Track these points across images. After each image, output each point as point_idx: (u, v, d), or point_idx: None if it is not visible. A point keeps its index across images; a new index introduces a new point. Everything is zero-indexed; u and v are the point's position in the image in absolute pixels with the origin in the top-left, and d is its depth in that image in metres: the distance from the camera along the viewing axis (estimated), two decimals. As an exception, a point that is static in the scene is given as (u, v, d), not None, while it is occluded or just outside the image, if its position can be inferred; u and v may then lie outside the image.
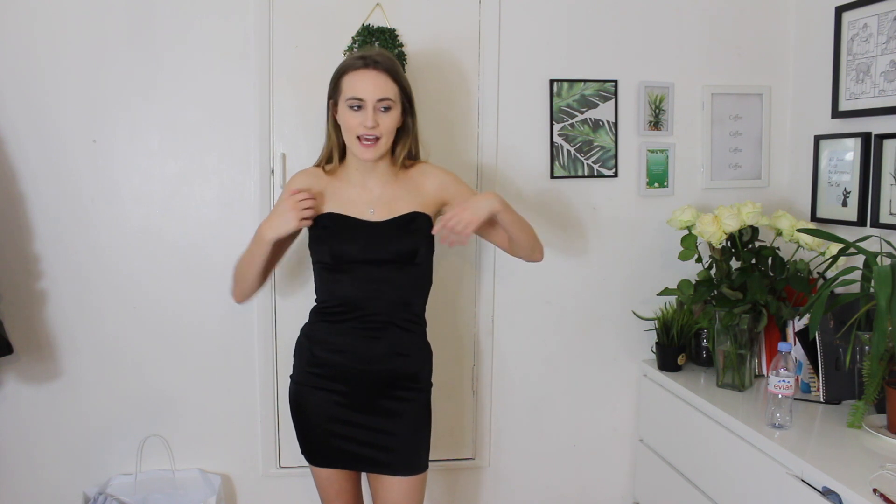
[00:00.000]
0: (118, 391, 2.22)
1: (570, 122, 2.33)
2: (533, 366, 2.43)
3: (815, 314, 1.80)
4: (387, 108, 1.74)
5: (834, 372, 1.99)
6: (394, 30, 2.18)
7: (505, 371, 2.41)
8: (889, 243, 1.86)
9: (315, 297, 1.89)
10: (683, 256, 2.22)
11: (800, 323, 2.11)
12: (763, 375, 2.26)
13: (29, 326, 2.15)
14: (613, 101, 2.35)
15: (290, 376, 1.91)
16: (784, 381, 1.82)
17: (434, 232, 1.80)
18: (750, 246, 2.19)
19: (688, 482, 2.13)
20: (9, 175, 2.09)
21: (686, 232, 2.23)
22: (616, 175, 2.38)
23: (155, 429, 2.24)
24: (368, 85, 1.72)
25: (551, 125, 2.33)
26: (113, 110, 2.13)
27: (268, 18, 2.15)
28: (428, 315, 1.92)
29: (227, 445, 2.30)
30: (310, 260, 1.89)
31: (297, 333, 1.92)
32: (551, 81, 2.31)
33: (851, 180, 2.20)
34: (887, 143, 2.07)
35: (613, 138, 2.37)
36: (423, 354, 1.90)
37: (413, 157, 1.90)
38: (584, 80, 2.33)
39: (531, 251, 1.94)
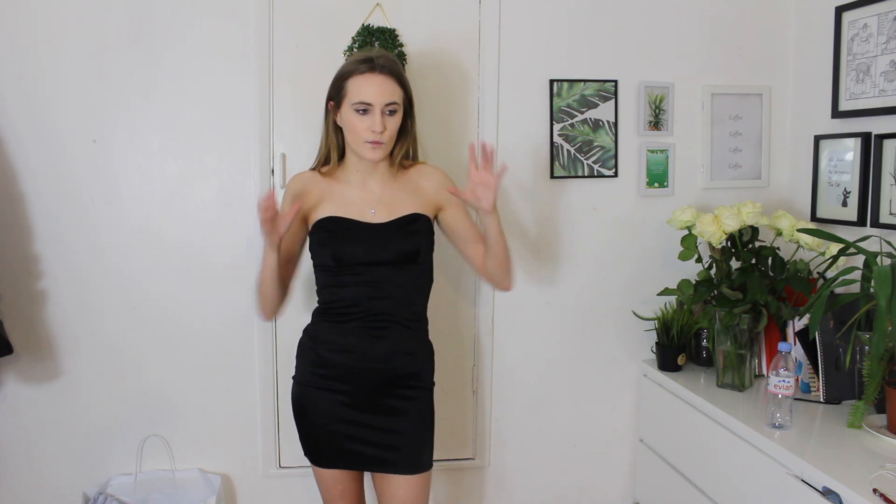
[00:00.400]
0: (118, 391, 2.22)
1: (570, 122, 2.33)
2: (533, 366, 2.43)
3: (815, 314, 1.80)
4: (392, 112, 1.75)
5: (834, 372, 1.99)
6: (394, 30, 2.18)
7: (505, 371, 2.41)
8: (889, 243, 1.86)
9: (318, 298, 1.88)
10: (683, 256, 2.22)
11: (800, 323, 2.11)
12: (763, 375, 2.26)
13: (29, 326, 2.15)
14: (613, 101, 2.35)
15: (293, 377, 1.91)
16: (784, 381, 1.82)
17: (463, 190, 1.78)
18: (750, 246, 2.19)
19: (688, 482, 2.13)
20: (9, 175, 2.09)
21: (686, 232, 2.23)
22: (616, 175, 2.38)
23: (155, 429, 2.24)
24: (376, 89, 1.72)
25: (551, 125, 2.33)
26: (113, 110, 2.13)
27: (268, 18, 2.15)
28: (428, 315, 1.92)
29: (227, 445, 2.30)
30: (310, 260, 1.88)
31: (297, 333, 1.92)
32: (551, 81, 2.31)
33: (851, 180, 2.20)
34: (887, 143, 2.07)
35: (613, 138, 2.37)
36: (426, 353, 1.91)
37: (411, 158, 1.90)
38: (584, 80, 2.33)
39: (504, 273, 1.86)
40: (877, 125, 2.11)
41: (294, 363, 1.92)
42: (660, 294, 2.32)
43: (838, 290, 1.99)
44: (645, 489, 2.45)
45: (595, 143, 2.36)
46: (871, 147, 2.12)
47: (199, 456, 2.28)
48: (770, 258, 2.15)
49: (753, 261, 2.16)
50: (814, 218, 2.35)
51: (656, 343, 2.39)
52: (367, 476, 1.98)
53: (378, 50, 1.80)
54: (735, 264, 2.19)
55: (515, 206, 2.35)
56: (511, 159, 2.32)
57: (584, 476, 2.51)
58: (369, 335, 1.79)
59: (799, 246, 2.13)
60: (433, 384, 1.91)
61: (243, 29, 2.15)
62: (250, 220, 2.21)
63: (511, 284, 1.91)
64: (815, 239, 2.05)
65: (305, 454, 1.89)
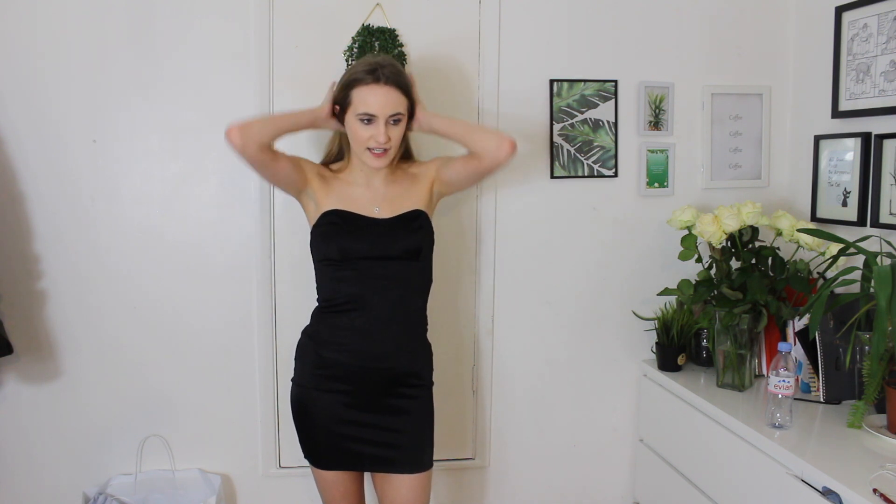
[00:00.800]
0: (118, 391, 2.22)
1: (570, 122, 2.33)
2: (533, 366, 2.43)
3: (815, 314, 1.80)
4: (397, 121, 1.76)
5: (834, 372, 1.99)
6: (394, 30, 2.18)
7: (505, 371, 2.41)
8: (889, 243, 1.86)
9: (318, 297, 1.88)
10: (683, 256, 2.23)
11: (800, 323, 2.11)
12: (763, 375, 2.26)
13: (29, 326, 2.15)
14: (613, 101, 2.35)
15: (292, 379, 1.91)
16: (784, 381, 1.82)
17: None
18: (750, 246, 2.19)
19: (688, 482, 2.13)
20: (9, 175, 2.09)
21: (686, 232, 2.23)
22: (616, 175, 2.38)
23: (155, 429, 2.24)
24: (380, 100, 1.72)
25: (551, 125, 2.33)
26: (113, 110, 2.13)
27: (268, 18, 2.15)
28: (428, 315, 1.92)
29: (227, 445, 2.30)
30: (310, 260, 1.89)
31: (297, 333, 1.92)
32: (551, 81, 2.31)
33: (851, 180, 2.20)
34: (887, 143, 2.07)
35: (613, 138, 2.37)
36: (426, 352, 1.92)
37: (407, 156, 1.95)
38: (584, 80, 2.33)
39: (487, 141, 1.83)
40: (877, 125, 2.11)
41: (293, 364, 1.92)
42: (660, 294, 2.32)
43: (838, 290, 1.99)
44: (645, 489, 2.45)
45: (595, 143, 2.36)
46: (871, 147, 2.12)
47: (199, 456, 2.28)
48: (770, 258, 2.15)
49: (753, 261, 2.16)
50: (814, 218, 2.35)
51: (656, 343, 2.39)
52: (367, 477, 1.98)
53: (383, 57, 1.80)
54: (735, 264, 2.19)
55: (515, 205, 2.35)
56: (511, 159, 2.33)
57: (584, 476, 2.51)
58: (370, 334, 1.80)
59: (799, 246, 2.13)
60: (433, 383, 1.92)
61: (243, 29, 2.15)
62: (250, 220, 2.21)
63: (505, 141, 1.81)
64: (815, 239, 2.05)
65: (305, 456, 1.89)
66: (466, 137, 1.86)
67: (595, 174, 2.37)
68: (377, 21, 2.19)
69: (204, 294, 2.23)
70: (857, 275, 1.85)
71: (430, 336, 1.93)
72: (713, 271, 2.21)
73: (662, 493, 2.32)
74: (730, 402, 2.04)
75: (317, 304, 1.89)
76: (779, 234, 2.17)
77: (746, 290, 2.10)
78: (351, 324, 1.80)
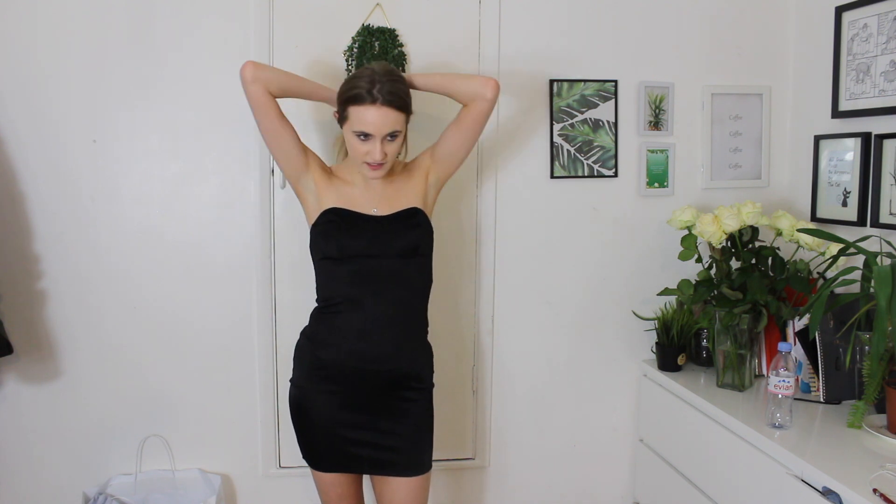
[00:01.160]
0: (118, 391, 2.22)
1: (570, 122, 2.33)
2: (533, 366, 2.43)
3: (815, 314, 1.80)
4: (393, 137, 1.76)
5: (834, 372, 1.99)
6: (394, 30, 2.18)
7: (505, 371, 2.41)
8: (889, 243, 1.86)
9: (316, 298, 1.88)
10: (683, 256, 2.22)
11: (800, 323, 2.11)
12: (763, 375, 2.26)
13: (29, 326, 2.15)
14: (613, 101, 2.35)
15: (290, 380, 1.90)
16: (784, 381, 1.82)
17: None
18: (750, 246, 2.19)
19: (688, 482, 2.13)
20: (9, 175, 2.09)
21: (686, 232, 2.23)
22: (616, 175, 2.38)
23: (155, 429, 2.24)
24: (376, 122, 1.71)
25: (551, 125, 2.33)
26: (113, 110, 2.13)
27: (268, 18, 2.15)
28: (428, 315, 1.92)
29: (227, 445, 2.30)
30: (310, 261, 1.88)
31: (297, 333, 1.92)
32: (551, 81, 2.31)
33: (851, 180, 2.20)
34: (887, 143, 2.07)
35: (613, 138, 2.37)
36: (426, 354, 1.92)
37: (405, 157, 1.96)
38: (584, 80, 2.33)
39: (468, 87, 1.84)
40: (877, 125, 2.11)
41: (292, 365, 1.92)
42: (660, 294, 2.32)
43: (838, 290, 1.99)
44: (645, 489, 2.45)
45: (595, 143, 2.36)
46: (871, 147, 2.12)
47: (199, 456, 2.28)
48: (770, 258, 2.15)
49: (753, 261, 2.16)
50: (814, 218, 2.35)
51: (656, 343, 2.39)
52: (366, 479, 1.98)
53: (383, 68, 1.76)
54: (735, 264, 2.19)
55: (515, 205, 2.35)
56: (511, 159, 2.33)
57: (584, 476, 2.51)
58: (368, 335, 1.79)
59: (799, 246, 2.13)
60: (433, 385, 1.92)
61: (243, 29, 2.15)
62: (250, 220, 2.21)
63: (489, 80, 1.83)
64: (815, 239, 2.05)
65: (304, 458, 1.89)
66: (451, 86, 1.87)
67: (595, 174, 2.37)
68: (377, 21, 2.19)
69: (204, 294, 2.23)
70: (857, 275, 1.85)
71: (430, 336, 1.93)
72: (713, 271, 2.21)
73: (662, 493, 2.32)
74: (730, 402, 2.04)
75: (315, 304, 1.89)
76: (779, 234, 2.17)
77: (746, 290, 2.10)
78: (349, 324, 1.80)
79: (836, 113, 2.24)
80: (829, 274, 2.03)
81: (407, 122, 1.79)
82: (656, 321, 2.38)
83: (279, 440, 2.30)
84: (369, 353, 1.79)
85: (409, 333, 1.85)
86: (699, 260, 2.24)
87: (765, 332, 2.23)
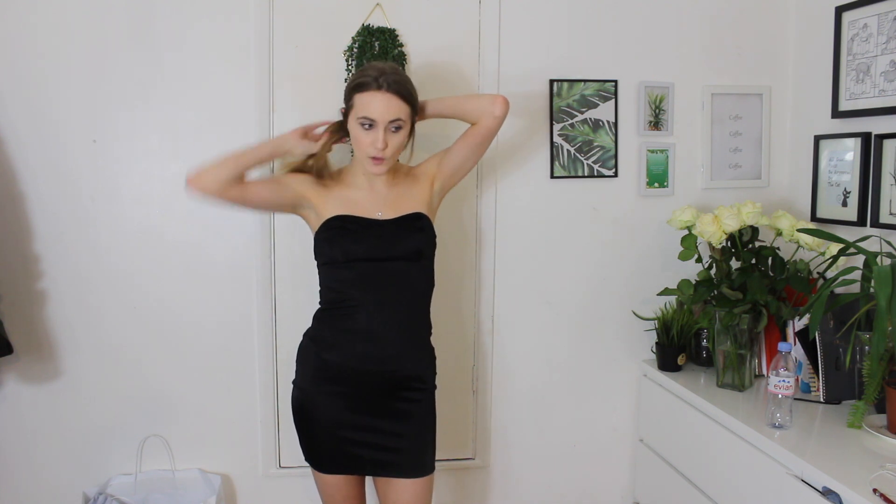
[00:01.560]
0: (118, 391, 2.22)
1: (570, 122, 2.33)
2: (533, 366, 2.43)
3: (815, 314, 1.80)
4: (397, 128, 1.76)
5: (834, 372, 1.99)
6: (394, 30, 2.18)
7: (505, 371, 2.41)
8: (889, 243, 1.86)
9: (319, 299, 1.88)
10: (683, 256, 2.22)
11: (800, 323, 2.11)
12: (763, 375, 2.26)
13: (29, 326, 2.15)
14: (613, 101, 2.35)
15: (293, 382, 1.90)
16: (784, 381, 1.82)
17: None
18: (750, 246, 2.19)
19: (688, 482, 2.13)
20: (9, 175, 2.09)
21: (686, 232, 2.23)
22: (616, 175, 2.38)
23: (155, 429, 2.24)
24: (381, 107, 1.72)
25: (551, 125, 2.33)
26: (113, 110, 2.13)
27: (268, 18, 2.15)
28: (429, 315, 1.92)
29: (227, 445, 2.30)
30: (311, 261, 1.88)
31: (297, 333, 1.92)
32: (551, 81, 2.31)
33: (851, 180, 2.20)
34: (887, 143, 2.07)
35: (613, 138, 2.37)
36: (429, 356, 1.92)
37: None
38: (584, 80, 2.33)
39: (478, 107, 1.87)
40: (877, 125, 2.11)
41: (293, 365, 1.92)
42: (660, 294, 2.32)
43: (838, 290, 1.99)
44: (645, 489, 2.45)
45: (595, 143, 2.36)
46: (871, 147, 2.12)
47: (199, 456, 2.28)
48: (770, 258, 2.15)
49: (753, 261, 2.16)
50: (814, 218, 2.35)
51: (656, 343, 2.39)
52: (369, 480, 1.98)
53: (390, 65, 1.80)
54: (735, 264, 2.19)
55: (515, 205, 2.35)
56: (511, 159, 2.33)
57: (584, 476, 2.51)
58: (373, 337, 1.79)
59: (799, 246, 2.13)
60: (435, 386, 1.92)
61: (243, 29, 2.15)
62: (250, 220, 2.21)
63: (497, 98, 1.87)
64: (815, 239, 2.05)
65: (307, 460, 1.88)
66: (459, 108, 1.90)
67: (595, 174, 2.37)
68: (377, 21, 2.19)
69: (204, 294, 2.23)
70: (857, 275, 1.85)
71: (430, 336, 1.93)
72: (713, 271, 2.21)
73: (662, 493, 2.32)
74: (730, 402, 2.04)
75: (318, 306, 1.89)
76: (779, 234, 2.17)
77: (746, 290, 2.10)
78: (354, 326, 1.79)
79: (836, 113, 2.24)
80: (829, 274, 2.03)
81: (412, 119, 1.80)
82: (656, 321, 2.38)
83: (279, 440, 2.30)
84: (374, 355, 1.79)
85: (412, 335, 1.85)
86: (699, 260, 2.24)
87: (765, 332, 2.23)
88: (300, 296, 2.16)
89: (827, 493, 1.58)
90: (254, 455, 2.31)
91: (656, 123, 2.39)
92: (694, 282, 2.24)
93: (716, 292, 2.19)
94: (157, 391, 2.24)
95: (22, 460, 2.20)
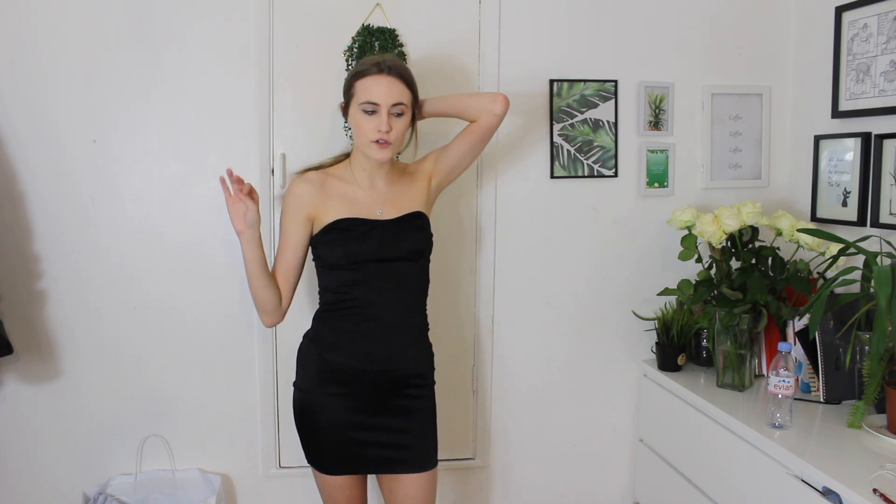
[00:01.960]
0: (118, 391, 2.22)
1: (570, 122, 2.33)
2: (533, 366, 2.43)
3: (815, 314, 1.80)
4: (400, 114, 1.76)
5: (834, 372, 1.99)
6: (394, 30, 2.18)
7: (505, 371, 2.41)
8: (889, 243, 1.86)
9: (320, 300, 1.88)
10: (683, 256, 2.22)
11: (800, 323, 2.11)
12: (763, 375, 2.26)
13: (29, 326, 2.14)
14: (613, 101, 2.35)
15: (294, 384, 1.90)
16: (784, 381, 1.82)
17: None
18: (750, 246, 2.19)
19: (688, 482, 2.13)
20: (9, 175, 2.09)
21: (686, 232, 2.23)
22: (616, 175, 2.39)
23: (155, 429, 2.24)
24: (383, 89, 1.72)
25: (551, 125, 2.33)
26: (113, 110, 2.13)
27: (268, 18, 2.15)
28: (428, 315, 1.92)
29: (227, 445, 2.30)
30: (310, 260, 1.88)
31: (297, 332, 1.92)
32: (551, 81, 2.31)
33: (851, 180, 2.20)
34: (887, 143, 2.07)
35: (613, 138, 2.37)
36: (429, 353, 1.92)
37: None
38: (584, 80, 2.33)
39: (478, 106, 1.87)
40: (877, 125, 2.11)
41: (293, 366, 1.91)
42: (660, 294, 2.32)
43: (838, 290, 1.99)
44: (645, 489, 2.45)
45: (595, 143, 2.36)
46: (871, 147, 2.12)
47: (199, 456, 2.28)
48: (770, 258, 2.15)
49: (753, 261, 2.16)
50: (814, 218, 2.35)
51: (656, 343, 2.39)
52: (369, 480, 1.98)
53: (388, 54, 1.82)
54: (735, 264, 2.19)
55: (515, 205, 2.35)
56: (511, 159, 2.33)
57: (584, 476, 2.51)
58: (376, 337, 1.80)
59: (799, 246, 2.13)
60: (434, 382, 1.92)
61: (243, 29, 2.15)
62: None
63: (498, 96, 1.86)
64: (815, 239, 2.05)
65: (310, 462, 1.88)
66: (460, 106, 1.90)
67: (595, 174, 2.37)
68: (377, 21, 2.19)
69: (204, 294, 2.23)
70: (857, 275, 1.85)
71: (430, 336, 1.94)
72: (713, 271, 2.21)
73: (662, 493, 2.32)
74: (730, 402, 2.04)
75: (318, 307, 1.89)
76: (779, 234, 2.17)
77: (746, 290, 2.10)
78: (356, 327, 1.79)
79: (836, 113, 2.24)
80: (829, 274, 2.03)
81: (413, 108, 1.80)
82: (656, 321, 2.38)
83: (279, 440, 2.30)
84: (377, 354, 1.80)
85: (413, 334, 1.86)
86: (699, 260, 2.24)
87: (765, 332, 2.23)
88: (300, 295, 2.15)
89: (827, 493, 1.58)
90: (254, 455, 2.31)
91: (656, 123, 2.39)
92: (694, 282, 2.24)
93: (716, 292, 2.19)
94: (157, 391, 2.24)
95: (22, 460, 2.20)
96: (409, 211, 1.84)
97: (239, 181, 1.73)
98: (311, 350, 1.86)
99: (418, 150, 1.95)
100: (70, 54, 2.09)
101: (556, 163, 2.34)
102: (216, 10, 2.14)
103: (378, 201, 1.83)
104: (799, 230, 2.06)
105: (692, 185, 2.44)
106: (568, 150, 2.34)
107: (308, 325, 1.90)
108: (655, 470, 2.34)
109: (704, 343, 2.35)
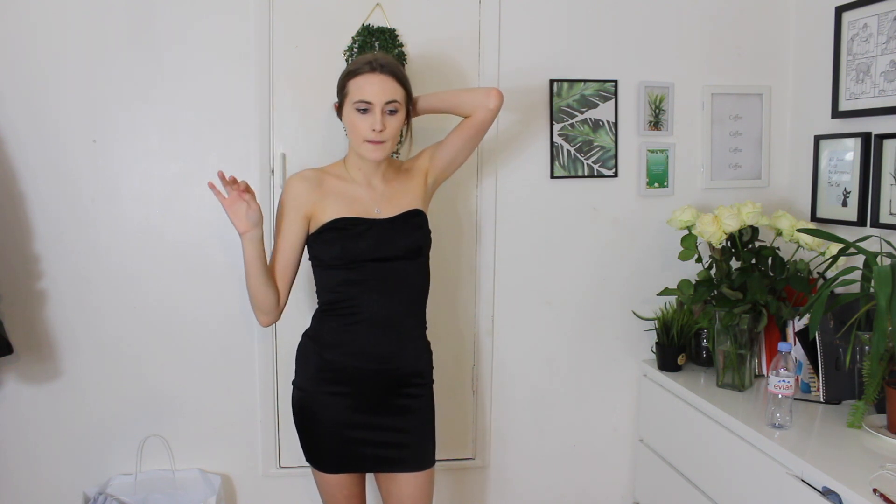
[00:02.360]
0: (118, 391, 2.22)
1: (570, 122, 2.33)
2: (533, 366, 2.43)
3: (815, 314, 1.80)
4: (393, 111, 1.76)
5: (834, 372, 1.99)
6: (394, 30, 2.18)
7: (505, 371, 2.41)
8: (889, 243, 1.86)
9: (318, 299, 1.88)
10: (683, 256, 2.22)
11: (800, 323, 2.11)
12: (763, 375, 2.26)
13: (29, 326, 2.15)
14: (613, 101, 2.35)
15: (293, 383, 1.90)
16: (784, 381, 1.82)
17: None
18: (750, 246, 2.19)
19: (688, 482, 2.13)
20: (9, 175, 2.09)
21: (686, 232, 2.23)
22: (616, 175, 2.39)
23: (155, 429, 2.24)
24: (376, 88, 1.73)
25: (551, 125, 2.33)
26: (113, 110, 2.13)
27: (268, 18, 2.15)
28: (428, 315, 1.92)
29: (227, 445, 2.30)
30: (308, 261, 1.88)
31: (297, 332, 1.92)
32: (551, 81, 2.31)
33: (851, 180, 2.20)
34: (887, 143, 2.07)
35: (613, 138, 2.37)
36: (427, 351, 1.92)
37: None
38: (584, 80, 2.33)
39: (473, 101, 1.86)
40: (877, 125, 2.11)
41: (293, 365, 1.91)
42: (660, 294, 2.32)
43: (838, 290, 1.99)
44: (645, 489, 2.45)
45: (595, 143, 2.36)
46: (871, 147, 2.12)
47: (199, 456, 2.28)
48: (770, 258, 2.15)
49: (753, 261, 2.16)
50: (814, 218, 2.35)
51: (656, 343, 2.39)
52: (368, 478, 1.98)
53: (380, 52, 1.81)
54: (735, 264, 2.19)
55: (515, 205, 2.35)
56: (511, 159, 2.33)
57: (584, 476, 2.51)
58: (375, 335, 1.79)
59: (799, 246, 2.13)
60: (433, 381, 1.92)
61: (243, 29, 2.15)
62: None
63: (492, 91, 1.85)
64: (815, 239, 2.05)
65: (309, 461, 1.88)
66: (455, 101, 1.90)
67: (595, 174, 2.37)
68: (377, 21, 2.19)
69: (204, 294, 2.23)
70: (857, 275, 1.85)
71: (430, 336, 1.93)
72: (713, 271, 2.21)
73: (662, 493, 2.32)
74: (730, 402, 2.04)
75: (317, 306, 1.89)
76: (779, 234, 2.17)
77: (746, 290, 2.10)
78: (355, 325, 1.79)
79: (836, 113, 2.24)
80: (829, 274, 2.03)
81: (407, 104, 1.80)
82: (656, 321, 2.38)
83: (279, 440, 2.30)
84: (376, 353, 1.80)
85: (412, 332, 1.86)
86: (699, 260, 2.24)
87: (765, 332, 2.23)
88: (299, 295, 2.15)
89: (827, 493, 1.58)
90: (254, 455, 2.31)
91: (656, 123, 2.39)
92: (694, 282, 2.24)
93: (716, 292, 2.19)
94: (157, 391, 2.24)
95: (22, 460, 2.20)
96: (407, 209, 1.84)
97: (233, 181, 1.71)
98: (311, 349, 1.86)
99: (413, 146, 1.95)
100: (70, 54, 2.09)
101: (556, 163, 2.34)
102: (216, 10, 2.14)
103: (375, 200, 1.83)
104: (799, 230, 2.06)
105: (692, 185, 2.44)
106: (568, 149, 2.34)
107: (307, 323, 1.90)
108: (655, 470, 2.34)
109: (704, 343, 2.35)
